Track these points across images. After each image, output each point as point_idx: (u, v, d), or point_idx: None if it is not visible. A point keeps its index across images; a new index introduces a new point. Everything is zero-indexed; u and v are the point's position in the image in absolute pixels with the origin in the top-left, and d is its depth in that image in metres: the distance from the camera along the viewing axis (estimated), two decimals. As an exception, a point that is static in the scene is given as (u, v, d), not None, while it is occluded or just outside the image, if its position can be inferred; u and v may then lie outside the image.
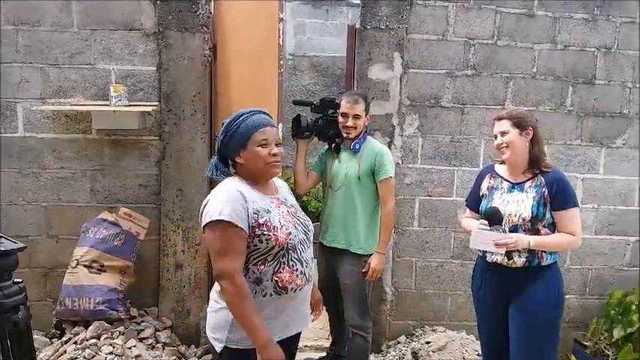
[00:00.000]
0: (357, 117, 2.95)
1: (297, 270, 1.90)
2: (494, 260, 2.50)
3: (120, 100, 3.17)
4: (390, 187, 3.01)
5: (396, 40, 3.46)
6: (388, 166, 2.97)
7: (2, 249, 1.40)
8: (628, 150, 3.71)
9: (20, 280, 1.50)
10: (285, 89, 6.91)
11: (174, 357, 3.08)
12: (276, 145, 1.95)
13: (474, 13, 3.50)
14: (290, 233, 1.89)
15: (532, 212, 2.41)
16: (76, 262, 3.09)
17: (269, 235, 1.84)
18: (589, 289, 3.81)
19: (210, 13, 3.36)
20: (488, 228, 2.43)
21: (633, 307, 3.58)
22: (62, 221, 3.42)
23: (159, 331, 3.23)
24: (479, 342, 3.61)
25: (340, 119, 2.99)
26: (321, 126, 3.07)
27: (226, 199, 1.84)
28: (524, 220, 2.42)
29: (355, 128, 2.97)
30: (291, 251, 1.89)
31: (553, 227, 2.47)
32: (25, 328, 1.47)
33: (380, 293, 3.62)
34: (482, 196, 2.61)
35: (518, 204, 2.44)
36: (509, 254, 2.43)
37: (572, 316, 3.82)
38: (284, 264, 1.88)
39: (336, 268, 3.07)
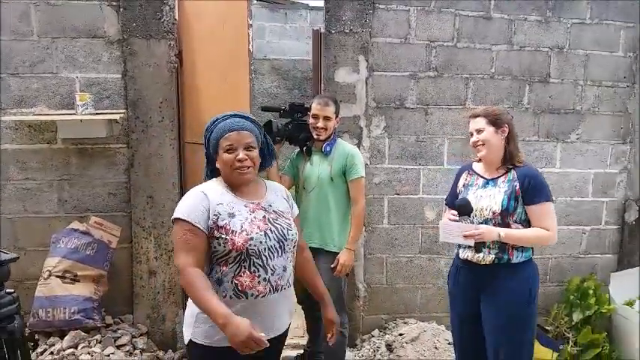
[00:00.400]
0: (327, 119, 3.02)
1: (259, 276, 1.88)
2: (465, 257, 2.53)
3: (86, 108, 3.14)
4: (361, 186, 3.10)
5: (360, 43, 3.54)
6: (359, 166, 3.06)
7: None
8: (581, 144, 3.91)
9: (12, 290, 1.52)
10: (247, 93, 6.94)
11: (152, 363, 3.10)
12: (247, 149, 1.92)
13: (434, 17, 3.62)
14: (252, 239, 1.86)
15: (502, 206, 2.41)
16: (48, 273, 3.06)
17: (226, 238, 1.85)
18: (549, 277, 4.01)
19: (175, 19, 3.36)
20: (457, 219, 2.44)
21: (590, 291, 3.81)
22: (29, 233, 3.37)
23: (135, 337, 3.23)
24: (449, 331, 3.77)
25: (311, 120, 3.06)
26: (292, 130, 3.13)
27: (188, 200, 1.91)
28: (494, 213, 2.42)
29: (325, 130, 3.04)
30: (253, 257, 1.87)
31: (527, 224, 2.45)
32: (21, 337, 1.48)
33: (353, 290, 3.71)
34: (459, 192, 2.61)
35: (490, 198, 2.45)
36: (477, 248, 2.44)
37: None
38: (245, 268, 1.87)
39: None
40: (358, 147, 3.53)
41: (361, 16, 3.52)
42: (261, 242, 1.88)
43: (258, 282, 1.88)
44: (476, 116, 2.54)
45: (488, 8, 3.66)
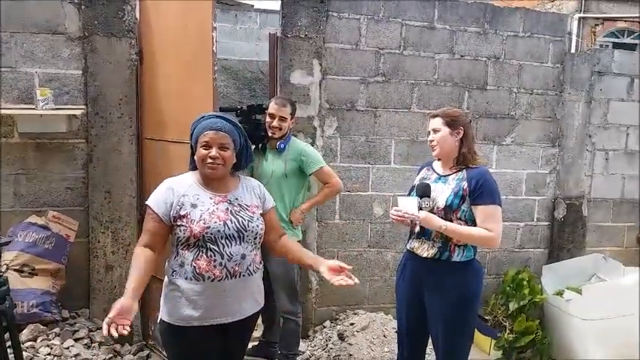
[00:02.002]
0: (282, 119, 3.19)
1: (214, 261, 2.04)
2: (411, 247, 2.61)
3: (47, 103, 3.18)
4: (327, 172, 3.27)
5: (314, 48, 3.76)
6: (315, 158, 3.25)
7: None
8: (516, 147, 4.27)
9: (1, 274, 1.59)
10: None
11: (111, 355, 3.14)
12: (221, 148, 2.09)
13: (383, 25, 3.89)
14: (208, 227, 2.03)
15: (446, 202, 2.46)
16: (5, 266, 3.06)
17: (186, 226, 2.04)
18: (487, 270, 4.31)
19: (137, 19, 3.46)
20: (412, 198, 2.50)
21: (524, 283, 4.13)
22: None
23: (92, 331, 3.26)
24: (395, 320, 3.99)
25: (267, 119, 3.21)
26: (249, 129, 3.27)
27: (159, 189, 2.15)
28: (438, 208, 2.48)
29: (280, 129, 3.20)
30: (209, 243, 2.04)
31: (474, 224, 2.48)
32: (11, 317, 1.56)
33: (305, 282, 3.88)
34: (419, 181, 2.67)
35: (437, 194, 2.51)
36: (420, 235, 2.53)
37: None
38: (203, 253, 2.05)
39: (264, 258, 3.28)
40: (312, 146, 3.71)
41: (316, 22, 3.73)
42: (218, 231, 2.05)
43: (214, 266, 2.05)
44: (434, 116, 2.60)
45: (432, 19, 3.96)
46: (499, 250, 4.32)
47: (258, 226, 2.16)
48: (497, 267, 4.34)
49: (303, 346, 3.75)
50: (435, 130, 2.57)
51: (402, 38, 3.94)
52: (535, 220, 4.38)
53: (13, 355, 1.88)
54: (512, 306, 4.07)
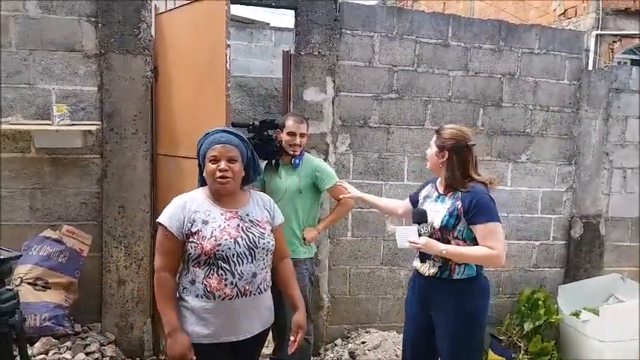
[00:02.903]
0: (302, 135, 3.20)
1: (226, 280, 2.03)
2: (415, 266, 2.64)
3: (63, 119, 3.24)
4: (340, 188, 3.25)
5: (327, 65, 3.77)
6: (330, 173, 3.26)
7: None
8: (531, 164, 4.22)
9: (12, 287, 1.61)
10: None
11: (121, 369, 3.15)
12: (230, 161, 2.08)
13: (396, 43, 3.89)
14: (219, 245, 2.02)
15: (442, 222, 2.47)
16: (19, 279, 3.09)
17: (197, 243, 2.03)
18: (502, 289, 4.26)
19: (152, 36, 3.51)
20: (411, 227, 2.54)
21: (540, 303, 4.06)
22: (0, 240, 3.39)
23: (104, 345, 3.27)
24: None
25: (287, 138, 3.19)
26: (261, 145, 3.27)
27: (171, 206, 2.14)
28: (434, 228, 2.50)
29: (300, 146, 3.21)
30: (220, 261, 2.03)
31: (473, 242, 2.47)
32: (20, 330, 1.57)
33: (317, 300, 3.86)
34: (419, 201, 2.71)
35: (435, 213, 2.52)
36: (422, 258, 2.57)
37: (488, 315, 4.22)
38: (214, 271, 2.04)
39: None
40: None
41: (329, 39, 3.75)
42: (229, 248, 2.04)
43: (225, 285, 2.04)
44: (435, 132, 2.64)
45: (446, 36, 3.96)
46: (514, 270, 4.26)
47: (269, 242, 2.16)
48: (512, 286, 4.27)
49: (314, 364, 3.73)
50: (430, 146, 2.63)
51: (415, 55, 3.93)
52: (551, 238, 4.31)
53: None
54: (528, 326, 4.01)
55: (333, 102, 3.82)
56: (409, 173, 4.00)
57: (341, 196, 3.24)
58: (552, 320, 4.02)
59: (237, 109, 7.39)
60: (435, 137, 2.60)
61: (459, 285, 2.50)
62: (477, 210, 2.42)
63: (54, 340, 3.08)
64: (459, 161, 2.51)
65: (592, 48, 8.16)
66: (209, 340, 2.07)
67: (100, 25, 3.41)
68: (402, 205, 2.96)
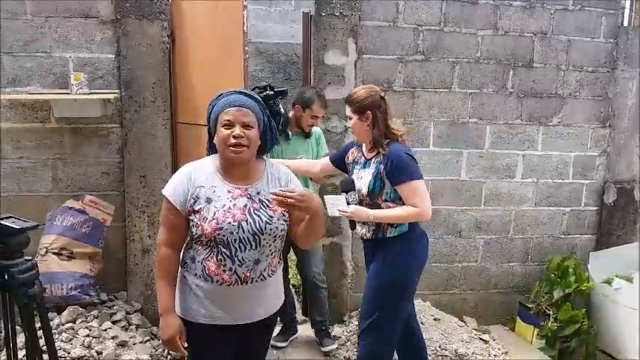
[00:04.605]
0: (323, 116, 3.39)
1: (224, 265, 1.86)
2: (358, 233, 2.73)
3: (81, 88, 3.19)
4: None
5: (349, 26, 3.62)
6: (324, 145, 3.50)
7: (15, 227, 1.47)
8: (563, 128, 4.04)
9: (31, 258, 1.58)
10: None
11: (148, 337, 3.17)
12: (245, 127, 1.85)
13: (421, 1, 3.70)
14: (221, 229, 1.82)
15: (369, 187, 2.54)
16: (45, 249, 3.11)
17: (198, 223, 1.85)
18: (530, 257, 4.15)
19: (168, 0, 3.41)
20: (339, 196, 2.60)
21: (570, 270, 3.95)
22: (24, 211, 3.29)
23: (129, 314, 3.30)
24: (434, 307, 3.91)
25: (309, 120, 3.33)
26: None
27: (176, 176, 1.94)
28: (363, 195, 2.56)
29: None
30: (220, 246, 1.85)
31: (402, 201, 2.53)
32: (41, 301, 1.55)
33: (341, 268, 3.82)
34: (348, 167, 2.78)
35: (362, 180, 2.58)
36: (352, 225, 2.66)
37: (516, 282, 4.16)
38: (214, 255, 1.87)
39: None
40: (346, 129, 3.63)
41: (351, -1, 3.59)
42: (231, 233, 1.84)
43: (223, 270, 1.86)
44: (345, 102, 2.67)
45: (475, -7, 3.76)
46: (543, 236, 4.14)
47: (277, 227, 1.92)
48: (542, 254, 4.15)
49: (338, 330, 3.72)
50: (349, 117, 2.63)
51: (442, 14, 3.75)
52: (583, 205, 4.16)
53: (44, 339, 1.88)
54: (557, 294, 3.91)
55: (355, 65, 3.68)
56: (435, 139, 3.87)
57: None
58: (583, 288, 3.91)
59: (256, 76, 7.26)
60: (348, 108, 2.62)
61: (393, 242, 2.58)
62: (396, 171, 2.48)
63: (81, 309, 3.12)
64: (381, 115, 2.55)
65: (627, 5, 7.79)
66: (206, 320, 1.92)
67: (115, -11, 3.32)
68: (320, 163, 3.00)
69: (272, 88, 3.11)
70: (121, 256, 3.54)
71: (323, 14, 3.59)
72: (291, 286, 3.84)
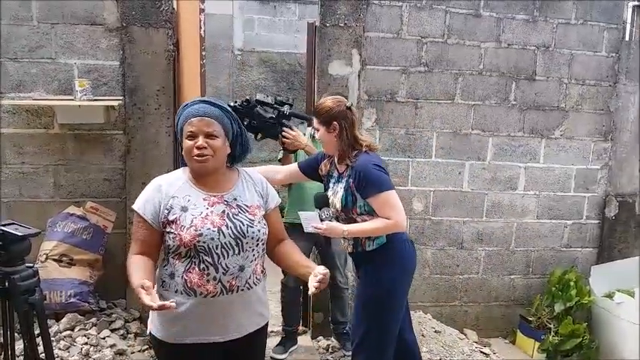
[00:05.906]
0: None
1: (208, 275, 1.78)
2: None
3: (85, 94, 3.19)
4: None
5: (354, 37, 3.64)
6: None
7: (18, 234, 1.46)
8: (565, 141, 4.05)
9: (32, 265, 1.57)
10: (233, 84, 7.00)
11: (146, 346, 3.14)
12: (209, 137, 1.80)
13: (426, 13, 3.73)
14: (200, 235, 1.76)
15: (342, 202, 2.48)
16: (45, 256, 3.10)
17: (175, 233, 1.78)
18: (532, 269, 4.14)
19: (174, 9, 3.42)
20: (313, 212, 2.54)
21: (571, 283, 3.94)
22: (25, 217, 3.33)
23: (128, 322, 3.28)
24: (435, 320, 3.89)
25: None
26: (268, 126, 3.02)
27: (146, 191, 1.87)
28: (337, 210, 2.52)
29: None
30: (202, 254, 1.77)
31: (376, 214, 2.47)
32: (41, 308, 1.54)
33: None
34: (324, 179, 2.67)
35: (336, 195, 2.53)
36: (327, 241, 2.66)
37: (517, 295, 4.15)
38: (195, 265, 1.79)
39: (315, 240, 3.17)
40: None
41: (355, 10, 3.61)
42: (212, 239, 1.78)
43: (207, 280, 1.78)
44: (313, 114, 2.61)
45: (478, 6, 3.78)
46: (544, 249, 4.13)
47: (259, 230, 1.87)
48: (543, 267, 4.14)
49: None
50: (316, 129, 2.57)
51: (445, 26, 3.77)
52: (584, 218, 4.16)
53: (42, 347, 1.86)
54: (558, 307, 3.90)
55: (359, 76, 3.69)
56: (438, 150, 3.88)
57: None
58: (584, 302, 3.90)
59: (260, 85, 7.30)
60: (315, 120, 2.56)
61: (373, 256, 2.53)
62: (365, 183, 2.42)
63: (79, 317, 3.09)
64: (348, 125, 2.49)
65: (629, 19, 7.84)
66: (191, 339, 1.81)
67: (120, -3, 3.34)
68: (284, 170, 2.83)
69: (281, 103, 3.03)
70: (121, 264, 3.51)
71: (328, 25, 3.61)
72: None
